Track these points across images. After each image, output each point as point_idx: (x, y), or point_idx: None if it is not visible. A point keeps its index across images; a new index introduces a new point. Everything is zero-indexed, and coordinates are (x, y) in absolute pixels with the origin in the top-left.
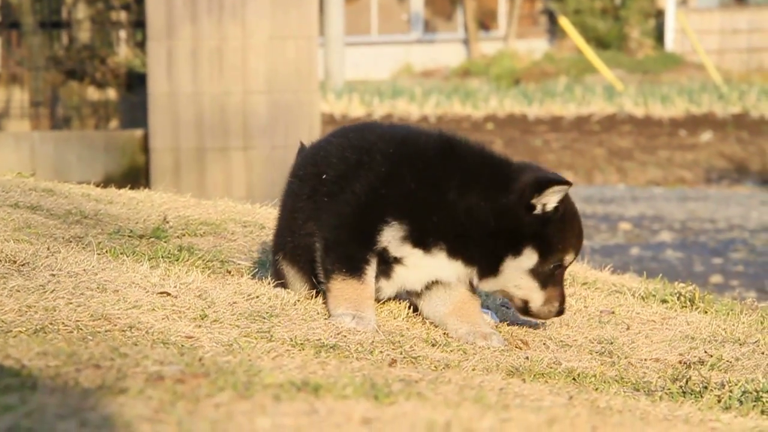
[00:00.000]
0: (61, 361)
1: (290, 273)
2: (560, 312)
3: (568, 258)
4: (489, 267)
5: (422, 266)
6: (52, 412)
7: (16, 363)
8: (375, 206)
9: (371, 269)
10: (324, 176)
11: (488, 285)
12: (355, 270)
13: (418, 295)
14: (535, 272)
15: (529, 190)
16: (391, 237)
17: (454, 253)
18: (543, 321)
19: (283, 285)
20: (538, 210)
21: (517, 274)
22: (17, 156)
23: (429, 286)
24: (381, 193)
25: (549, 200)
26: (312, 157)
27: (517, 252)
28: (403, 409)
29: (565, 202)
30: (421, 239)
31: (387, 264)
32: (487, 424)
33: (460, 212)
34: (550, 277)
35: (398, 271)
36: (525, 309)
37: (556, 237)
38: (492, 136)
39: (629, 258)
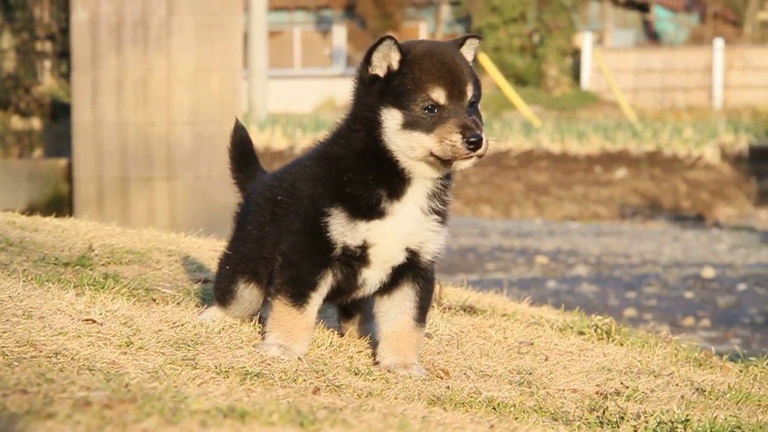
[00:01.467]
0: None
1: (246, 293)
2: (469, 141)
3: (435, 94)
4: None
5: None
6: None
7: None
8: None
9: (315, 297)
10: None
11: (403, 157)
12: (297, 297)
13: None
14: (410, 125)
15: (362, 65)
16: (339, 222)
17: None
18: (465, 160)
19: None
20: (381, 73)
21: (399, 136)
22: None
23: (385, 290)
24: (316, 194)
25: (386, 60)
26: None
27: (381, 118)
28: None
29: (411, 53)
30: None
31: (349, 260)
32: None
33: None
34: (432, 121)
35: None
36: (436, 160)
37: (408, 85)
38: None
39: (546, 291)
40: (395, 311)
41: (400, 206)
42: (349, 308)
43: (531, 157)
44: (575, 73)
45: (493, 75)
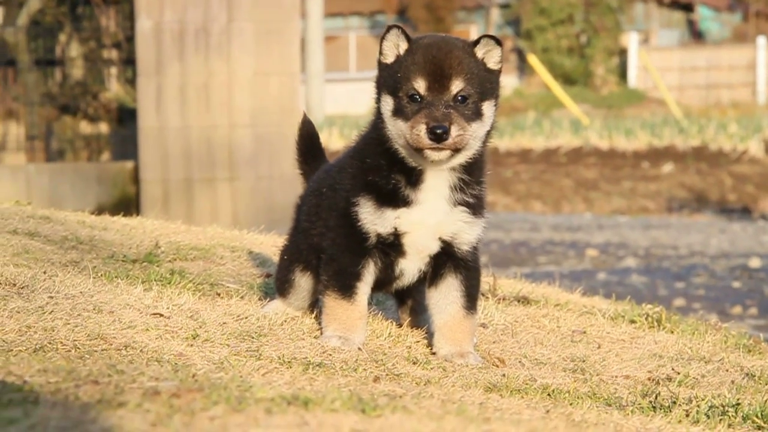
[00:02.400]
0: (61, 378)
1: (303, 282)
2: (432, 132)
3: (417, 84)
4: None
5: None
6: (54, 424)
7: (17, 379)
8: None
9: (361, 287)
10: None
11: (396, 145)
12: (344, 289)
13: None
14: (396, 112)
15: (378, 55)
16: (368, 211)
17: None
18: (434, 151)
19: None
20: (390, 61)
21: (390, 122)
22: (14, 187)
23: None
24: (347, 185)
25: (395, 49)
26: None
27: (380, 104)
28: (389, 421)
29: (415, 44)
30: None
31: (386, 249)
32: None
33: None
34: (412, 110)
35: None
36: (410, 148)
37: (400, 73)
38: None
39: (596, 282)
40: (444, 302)
41: (423, 195)
42: (404, 297)
43: (580, 154)
44: (622, 72)
45: (542, 75)
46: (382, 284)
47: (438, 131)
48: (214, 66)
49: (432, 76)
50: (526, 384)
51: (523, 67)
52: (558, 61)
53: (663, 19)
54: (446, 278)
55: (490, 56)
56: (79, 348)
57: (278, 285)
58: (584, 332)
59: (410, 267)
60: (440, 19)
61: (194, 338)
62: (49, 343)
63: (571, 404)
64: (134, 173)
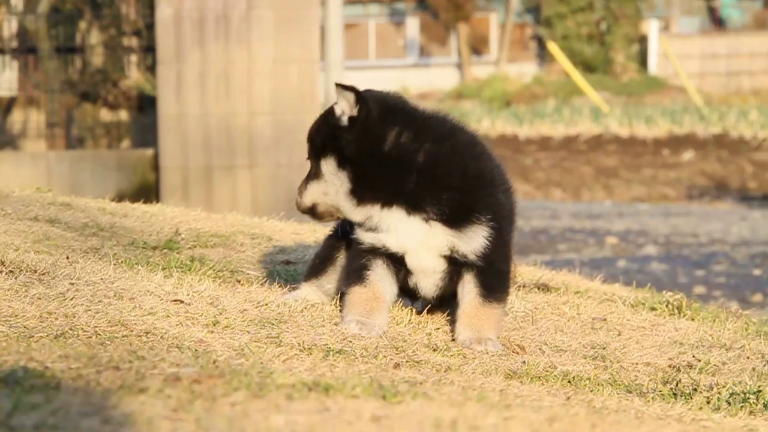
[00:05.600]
0: (82, 363)
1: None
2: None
3: None
4: None
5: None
6: (76, 410)
7: (39, 365)
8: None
9: (372, 273)
10: None
11: None
12: (356, 272)
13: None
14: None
15: None
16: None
17: None
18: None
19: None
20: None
21: None
22: (34, 174)
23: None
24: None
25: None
26: None
27: None
28: (410, 407)
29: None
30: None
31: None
32: (491, 422)
33: None
34: None
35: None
36: None
37: None
38: None
39: (617, 270)
40: (463, 292)
41: (386, 223)
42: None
43: (600, 142)
44: (642, 60)
45: (562, 62)
46: (407, 292)
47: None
48: (233, 53)
49: None
50: (547, 371)
51: (543, 55)
52: (578, 48)
53: (684, 6)
54: (464, 275)
55: (342, 106)
56: (99, 334)
57: (314, 264)
58: (604, 319)
59: (425, 283)
60: (459, 6)
61: (214, 325)
62: (70, 330)
63: (591, 391)
64: (154, 160)
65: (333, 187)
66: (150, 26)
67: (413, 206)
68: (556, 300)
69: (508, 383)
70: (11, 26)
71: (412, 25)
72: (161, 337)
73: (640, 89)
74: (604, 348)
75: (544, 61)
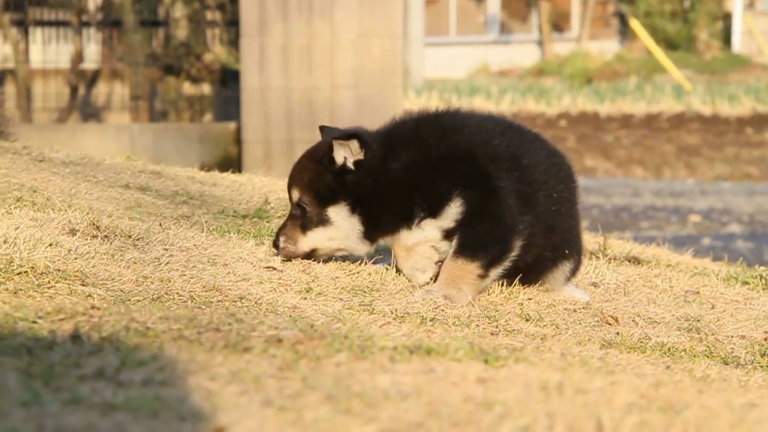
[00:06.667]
0: (182, 325)
1: None
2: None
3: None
4: None
5: None
6: (182, 367)
7: (141, 326)
8: None
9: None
10: None
11: None
12: None
13: None
14: None
15: None
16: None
17: None
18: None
19: None
20: None
21: None
22: (118, 146)
23: None
24: None
25: None
26: None
27: None
28: (513, 371)
29: None
30: None
31: None
32: (598, 385)
33: None
34: None
35: None
36: None
37: None
38: (565, 132)
39: (701, 248)
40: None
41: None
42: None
43: (682, 120)
44: (726, 37)
45: (644, 40)
46: None
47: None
48: (316, 27)
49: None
50: (641, 342)
51: (625, 32)
52: (660, 25)
53: None
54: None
55: (342, 155)
56: (195, 299)
57: None
58: (697, 292)
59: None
60: None
61: (307, 291)
62: (166, 294)
63: (689, 362)
64: (236, 134)
65: (343, 232)
66: (233, 0)
67: (411, 221)
68: (648, 273)
69: (606, 352)
70: None
71: (493, 1)
72: (255, 302)
73: (723, 67)
74: (698, 320)
75: (626, 38)
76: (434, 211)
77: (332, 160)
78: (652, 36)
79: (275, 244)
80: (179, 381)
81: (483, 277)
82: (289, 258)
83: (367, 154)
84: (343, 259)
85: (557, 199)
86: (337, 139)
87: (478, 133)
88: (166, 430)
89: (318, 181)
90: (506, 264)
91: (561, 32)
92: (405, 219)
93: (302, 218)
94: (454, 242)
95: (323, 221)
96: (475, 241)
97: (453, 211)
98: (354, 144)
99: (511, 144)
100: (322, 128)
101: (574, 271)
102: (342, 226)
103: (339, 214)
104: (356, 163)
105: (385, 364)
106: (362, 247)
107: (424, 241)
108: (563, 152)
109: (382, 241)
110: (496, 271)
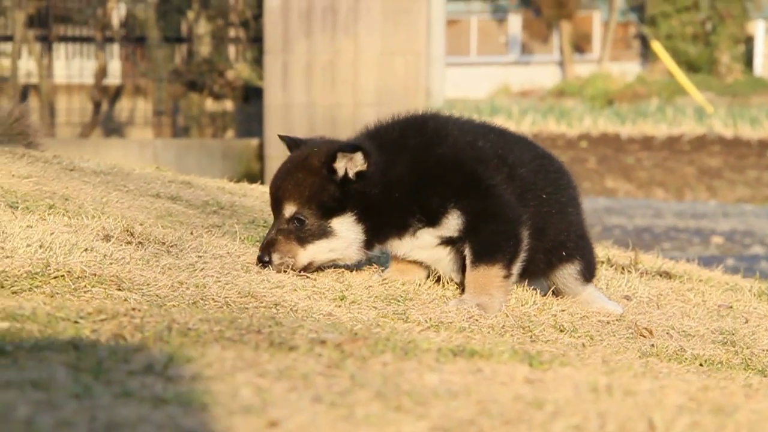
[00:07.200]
0: (223, 326)
1: None
2: (257, 257)
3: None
4: None
5: None
6: (230, 364)
7: (182, 327)
8: None
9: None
10: None
11: None
12: None
13: None
14: None
15: None
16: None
17: None
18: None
19: None
20: None
21: None
22: (141, 161)
23: None
24: None
25: None
26: None
27: None
28: (560, 374)
29: None
30: None
31: None
32: (647, 387)
33: None
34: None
35: None
36: None
37: None
38: (586, 153)
39: (726, 268)
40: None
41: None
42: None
43: (703, 142)
44: (747, 60)
45: (665, 62)
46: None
47: (259, 258)
48: (340, 44)
49: (270, 200)
50: (677, 354)
51: (647, 54)
52: (682, 48)
53: None
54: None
55: (345, 167)
56: (230, 305)
57: None
58: (731, 307)
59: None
60: (563, 3)
61: (341, 300)
62: (202, 299)
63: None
64: (259, 150)
65: (345, 242)
66: (257, 17)
67: (408, 230)
68: (680, 287)
69: (646, 360)
70: (120, 15)
71: (515, 22)
72: (291, 309)
73: (745, 90)
74: (732, 334)
75: (647, 60)
76: (432, 221)
77: (333, 170)
78: (673, 58)
79: (261, 260)
80: (228, 377)
81: (508, 276)
82: (284, 271)
83: (369, 166)
84: (375, 268)
85: (547, 201)
86: (342, 150)
87: (463, 138)
88: (218, 423)
89: (321, 193)
90: (523, 256)
91: (582, 53)
92: (403, 228)
93: (299, 231)
94: (468, 252)
95: (326, 233)
96: (489, 245)
97: (452, 222)
98: (358, 156)
99: (495, 144)
100: (283, 138)
101: (583, 274)
102: (345, 236)
103: (343, 225)
104: (358, 174)
105: (431, 364)
106: (359, 256)
107: (419, 248)
108: (556, 157)
109: (377, 249)
110: (516, 267)
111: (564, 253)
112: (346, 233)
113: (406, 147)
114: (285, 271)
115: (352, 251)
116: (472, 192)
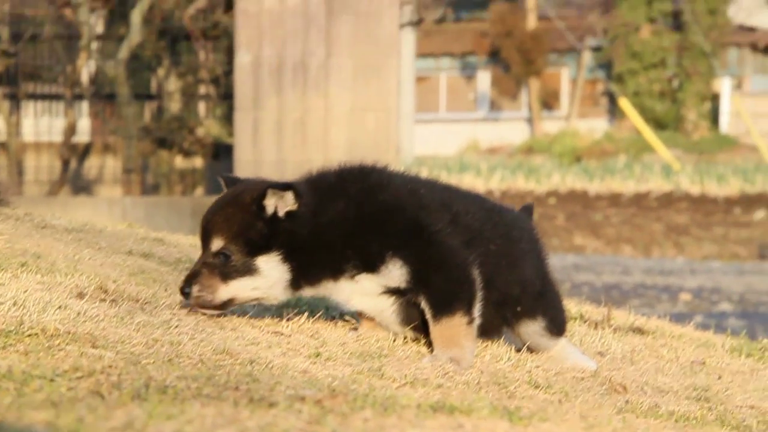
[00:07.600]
0: (201, 383)
1: None
2: (180, 289)
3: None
4: None
5: None
6: (211, 421)
7: (159, 384)
8: None
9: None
10: None
11: None
12: None
13: None
14: None
15: None
16: None
17: None
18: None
19: None
20: None
21: None
22: (110, 219)
23: None
24: None
25: None
26: None
27: None
28: (540, 429)
29: None
30: None
31: None
32: None
33: None
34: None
35: None
36: None
37: None
38: (554, 210)
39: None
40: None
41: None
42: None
43: (671, 199)
44: (714, 118)
45: (633, 119)
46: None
47: (182, 290)
48: (311, 101)
49: (199, 233)
50: (652, 410)
51: (614, 111)
52: (649, 105)
53: (757, 65)
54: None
55: (274, 206)
56: (205, 362)
57: None
58: (704, 363)
59: (382, 317)
60: (531, 61)
61: (317, 356)
62: (176, 356)
63: (702, 429)
64: None
65: (270, 281)
66: (228, 73)
67: (340, 272)
68: (653, 343)
69: (623, 416)
70: (90, 71)
71: (484, 78)
72: (266, 366)
73: (711, 147)
74: (706, 390)
75: (615, 117)
76: (371, 267)
77: (263, 207)
78: (641, 115)
79: (183, 292)
80: None
81: (471, 321)
82: (202, 307)
83: (300, 206)
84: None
85: (495, 252)
86: (273, 188)
87: (405, 187)
88: None
89: (248, 230)
90: (479, 295)
91: (550, 110)
92: (338, 271)
93: (223, 266)
94: (425, 307)
95: (250, 270)
96: (444, 295)
97: (395, 272)
98: (289, 195)
99: (440, 194)
100: (223, 177)
101: (549, 329)
102: (270, 275)
103: (268, 263)
104: (287, 213)
105: (412, 420)
106: (285, 296)
107: (360, 294)
108: (515, 211)
109: (306, 292)
110: (477, 308)
111: (519, 309)
112: (270, 272)
113: (344, 191)
114: (203, 306)
115: (277, 291)
116: (415, 240)
